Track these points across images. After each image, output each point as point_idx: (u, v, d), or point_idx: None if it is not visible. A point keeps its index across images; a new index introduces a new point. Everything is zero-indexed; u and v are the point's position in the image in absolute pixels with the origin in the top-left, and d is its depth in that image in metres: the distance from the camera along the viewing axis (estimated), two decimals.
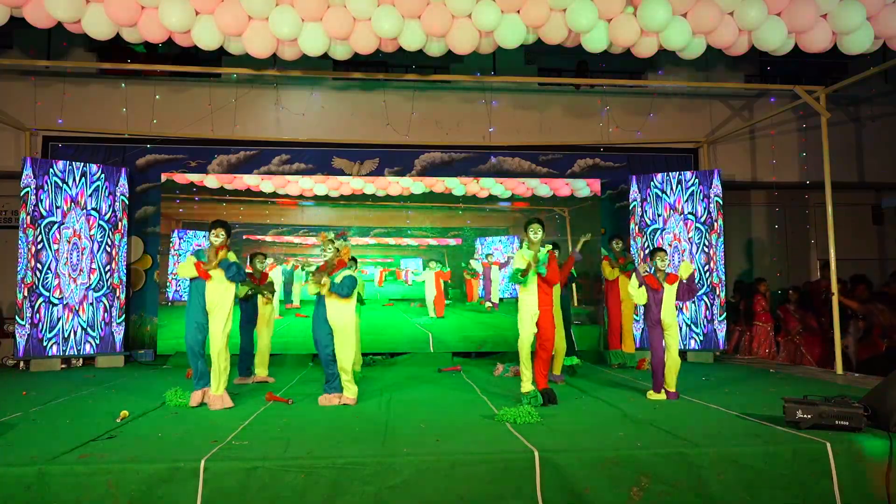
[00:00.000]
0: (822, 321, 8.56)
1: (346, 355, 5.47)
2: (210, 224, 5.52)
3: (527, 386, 5.46)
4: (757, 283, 9.67)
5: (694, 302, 8.66)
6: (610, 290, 8.08)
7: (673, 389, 5.71)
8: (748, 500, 3.78)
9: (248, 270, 6.85)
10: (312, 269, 5.62)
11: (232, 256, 5.45)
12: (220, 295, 5.38)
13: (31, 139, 8.78)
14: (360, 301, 7.57)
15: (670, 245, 8.81)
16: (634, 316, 8.31)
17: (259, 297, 6.84)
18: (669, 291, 5.70)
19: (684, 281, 5.73)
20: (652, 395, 5.77)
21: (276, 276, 8.71)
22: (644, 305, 5.87)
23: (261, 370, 6.84)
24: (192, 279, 5.39)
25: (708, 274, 8.65)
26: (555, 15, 6.30)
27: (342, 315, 5.46)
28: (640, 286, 5.79)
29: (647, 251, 8.71)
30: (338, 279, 5.43)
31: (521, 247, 5.62)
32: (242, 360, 6.78)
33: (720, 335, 8.55)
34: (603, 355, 8.42)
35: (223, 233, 5.46)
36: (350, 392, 5.54)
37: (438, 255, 9.43)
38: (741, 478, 3.81)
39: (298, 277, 9.22)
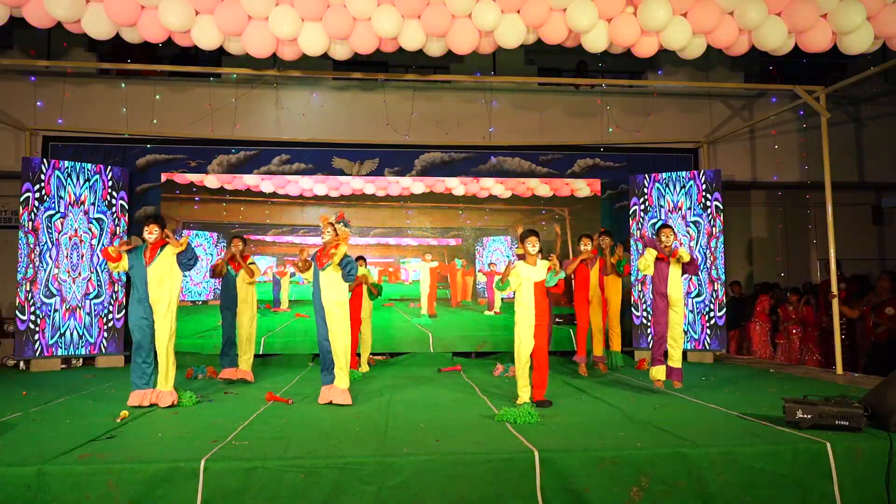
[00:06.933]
0: (824, 322, 8.55)
1: (342, 340, 5.25)
2: (144, 220, 5.53)
3: (523, 399, 5.38)
4: (764, 287, 9.70)
5: (693, 309, 8.66)
6: (578, 289, 7.34)
7: (678, 365, 5.68)
8: (748, 500, 3.77)
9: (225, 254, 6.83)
10: (306, 256, 5.45)
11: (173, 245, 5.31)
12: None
13: (31, 139, 8.78)
14: (378, 293, 7.53)
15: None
16: (651, 310, 7.99)
17: (238, 277, 6.62)
18: (675, 267, 5.73)
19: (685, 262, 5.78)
20: (653, 370, 5.74)
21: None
22: (652, 278, 5.86)
23: (243, 364, 6.64)
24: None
25: (707, 274, 8.64)
26: (555, 15, 6.29)
27: (335, 294, 5.26)
28: (645, 252, 5.74)
29: (655, 228, 8.61)
30: (336, 260, 5.24)
31: (515, 250, 5.52)
32: (225, 350, 6.66)
33: (719, 335, 8.55)
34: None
35: (157, 228, 5.27)
36: (341, 382, 5.28)
37: (438, 256, 9.43)
38: (741, 478, 3.80)
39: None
